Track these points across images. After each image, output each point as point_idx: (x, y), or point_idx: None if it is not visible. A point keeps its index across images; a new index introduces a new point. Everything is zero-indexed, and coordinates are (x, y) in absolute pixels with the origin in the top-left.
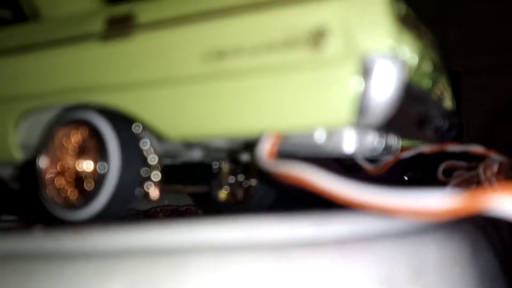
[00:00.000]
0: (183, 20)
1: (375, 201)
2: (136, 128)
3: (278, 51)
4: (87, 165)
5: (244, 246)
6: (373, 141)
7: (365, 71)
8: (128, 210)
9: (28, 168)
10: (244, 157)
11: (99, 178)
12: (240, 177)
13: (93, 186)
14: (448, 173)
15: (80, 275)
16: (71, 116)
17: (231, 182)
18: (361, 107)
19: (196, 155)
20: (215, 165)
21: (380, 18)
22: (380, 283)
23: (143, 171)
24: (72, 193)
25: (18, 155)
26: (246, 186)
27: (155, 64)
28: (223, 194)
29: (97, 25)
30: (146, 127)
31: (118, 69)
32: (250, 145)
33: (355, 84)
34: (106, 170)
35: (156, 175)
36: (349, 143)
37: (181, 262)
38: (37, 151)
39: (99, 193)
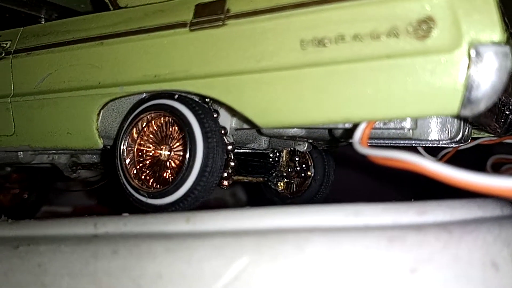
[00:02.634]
0: (282, 9)
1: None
2: (217, 117)
3: (382, 40)
4: (169, 153)
5: (354, 229)
6: (457, 130)
7: (474, 61)
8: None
9: (108, 156)
10: (301, 147)
11: (183, 166)
12: (298, 167)
13: (176, 174)
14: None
15: (204, 251)
16: (154, 104)
17: (289, 172)
18: (468, 97)
19: (263, 144)
20: (273, 155)
21: (488, 8)
22: (487, 265)
23: (223, 159)
24: (153, 180)
25: (100, 143)
26: (303, 176)
27: (249, 52)
28: (281, 184)
29: (186, 14)
30: (237, 115)
31: (210, 57)
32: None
33: (463, 74)
34: (191, 157)
35: (232, 164)
36: (435, 131)
37: (301, 240)
38: (117, 138)
39: (182, 181)
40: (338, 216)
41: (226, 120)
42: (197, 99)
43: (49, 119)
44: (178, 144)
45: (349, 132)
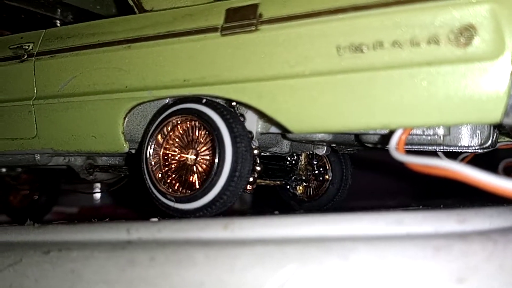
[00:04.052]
0: (317, 14)
1: None
2: (243, 121)
3: (422, 47)
4: (196, 157)
5: (397, 238)
6: (487, 136)
7: None
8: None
9: (133, 159)
10: (320, 150)
11: (211, 171)
12: (316, 171)
13: (203, 178)
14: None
15: (247, 259)
16: (181, 109)
17: (307, 176)
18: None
19: (285, 148)
20: (290, 158)
21: None
22: None
23: (251, 164)
24: (179, 184)
25: (125, 147)
26: (321, 180)
27: (283, 57)
28: (300, 188)
29: (217, 18)
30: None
31: (242, 62)
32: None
33: (505, 82)
34: (220, 162)
35: (258, 168)
36: (466, 138)
37: (346, 248)
38: (142, 142)
39: (211, 186)
40: (380, 224)
41: (252, 125)
42: (223, 103)
43: (73, 122)
44: (204, 148)
45: (380, 137)
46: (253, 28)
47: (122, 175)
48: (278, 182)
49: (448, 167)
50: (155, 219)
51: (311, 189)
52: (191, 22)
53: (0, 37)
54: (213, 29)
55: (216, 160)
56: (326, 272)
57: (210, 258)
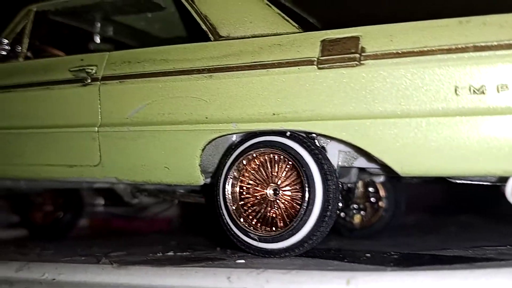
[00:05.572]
0: (431, 52)
1: None
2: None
3: None
4: (277, 192)
5: None
6: None
7: None
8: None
9: (208, 192)
10: (378, 178)
11: (300, 209)
12: (373, 198)
13: (286, 215)
14: None
15: None
16: (263, 141)
17: (364, 204)
18: None
19: (353, 178)
20: (345, 187)
21: None
22: None
23: (339, 201)
24: (257, 221)
25: (201, 179)
26: (375, 208)
27: (391, 95)
28: (358, 217)
29: (311, 50)
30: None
31: (343, 98)
32: None
33: None
34: (309, 201)
35: (340, 204)
36: None
37: None
38: (218, 175)
39: (300, 226)
40: None
41: (333, 158)
42: (304, 136)
43: (144, 152)
44: (286, 184)
45: None
46: (356, 63)
47: (173, 200)
48: (339, 212)
49: None
50: (242, 261)
51: (369, 216)
52: (281, 53)
53: (55, 58)
54: (308, 62)
55: (306, 199)
56: None
57: None
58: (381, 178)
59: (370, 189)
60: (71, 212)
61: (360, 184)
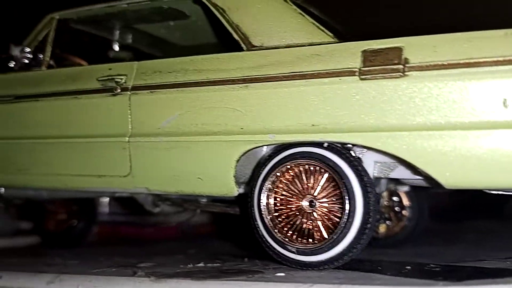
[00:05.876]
0: (479, 64)
1: None
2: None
3: None
4: (313, 204)
5: None
6: None
7: None
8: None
9: (243, 203)
10: (403, 187)
11: (340, 221)
12: (397, 208)
13: (324, 228)
14: None
15: None
16: (300, 152)
17: (389, 214)
18: None
19: (383, 188)
20: None
21: None
22: None
23: (378, 213)
24: (292, 233)
25: (235, 190)
26: (399, 218)
27: (437, 107)
28: (383, 227)
29: (352, 60)
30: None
31: (387, 109)
32: None
33: None
34: (350, 213)
35: (377, 216)
36: None
37: None
38: (253, 186)
39: (339, 239)
40: None
41: (369, 168)
42: (340, 146)
43: (177, 162)
44: (323, 195)
45: None
46: (400, 74)
47: (196, 210)
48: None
49: None
50: (282, 274)
51: (393, 226)
52: (320, 63)
53: (81, 66)
54: (350, 72)
55: (346, 211)
56: None
57: None
58: (406, 188)
59: (394, 198)
60: (84, 220)
61: (384, 193)
